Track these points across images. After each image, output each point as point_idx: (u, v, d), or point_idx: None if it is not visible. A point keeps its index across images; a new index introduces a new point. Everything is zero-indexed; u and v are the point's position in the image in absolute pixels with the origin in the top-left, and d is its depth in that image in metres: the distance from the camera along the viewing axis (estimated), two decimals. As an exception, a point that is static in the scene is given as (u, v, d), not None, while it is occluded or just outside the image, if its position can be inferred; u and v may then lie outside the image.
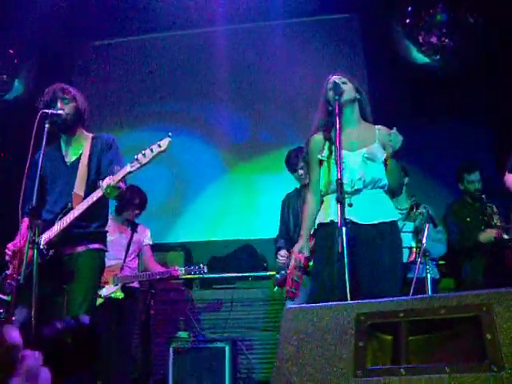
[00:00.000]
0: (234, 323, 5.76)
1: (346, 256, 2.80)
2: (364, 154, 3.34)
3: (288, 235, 4.81)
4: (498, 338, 1.77)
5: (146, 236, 5.40)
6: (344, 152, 3.25)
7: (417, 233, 4.60)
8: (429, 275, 4.40)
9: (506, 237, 4.74)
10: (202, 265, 5.20)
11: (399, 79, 6.33)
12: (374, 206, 3.30)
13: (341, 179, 3.01)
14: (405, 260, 4.50)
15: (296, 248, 3.46)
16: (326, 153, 3.41)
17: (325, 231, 3.32)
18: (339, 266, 2.88)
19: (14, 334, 0.75)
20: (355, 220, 3.19)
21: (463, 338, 1.89)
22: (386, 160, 3.38)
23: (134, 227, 5.37)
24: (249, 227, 6.53)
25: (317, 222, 3.42)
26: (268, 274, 5.89)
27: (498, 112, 6.16)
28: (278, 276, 4.69)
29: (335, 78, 3.49)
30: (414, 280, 4.15)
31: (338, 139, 3.11)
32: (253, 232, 6.46)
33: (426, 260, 4.36)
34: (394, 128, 3.29)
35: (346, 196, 3.15)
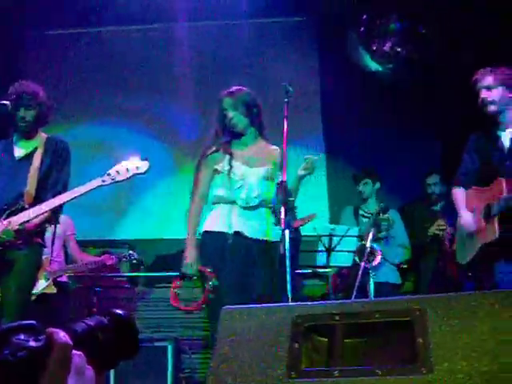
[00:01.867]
0: (177, 322, 5.72)
1: (287, 257, 2.85)
2: (263, 172, 3.44)
3: None
4: (429, 342, 1.80)
5: (68, 226, 5.18)
6: (243, 167, 3.34)
7: (361, 237, 4.66)
8: (371, 280, 4.47)
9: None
10: (132, 251, 5.20)
11: (352, 85, 6.41)
12: (263, 223, 3.41)
13: (285, 181, 3.05)
14: (349, 263, 4.58)
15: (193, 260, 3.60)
16: (226, 166, 3.43)
17: (214, 239, 3.44)
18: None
19: (62, 334, 0.74)
20: (245, 233, 3.32)
21: (397, 341, 1.92)
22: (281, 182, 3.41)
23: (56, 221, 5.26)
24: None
25: (205, 228, 3.50)
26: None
27: (447, 125, 6.29)
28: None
29: (224, 100, 3.60)
30: (357, 284, 4.19)
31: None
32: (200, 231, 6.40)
33: (369, 265, 4.42)
34: (318, 155, 3.42)
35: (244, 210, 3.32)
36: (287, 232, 2.94)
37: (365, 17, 6.35)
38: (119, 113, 7.07)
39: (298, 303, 2.03)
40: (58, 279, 4.93)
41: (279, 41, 7.09)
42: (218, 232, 3.38)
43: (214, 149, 3.50)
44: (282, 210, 2.99)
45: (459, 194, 3.65)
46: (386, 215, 4.78)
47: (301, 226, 4.46)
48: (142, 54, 7.08)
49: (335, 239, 4.66)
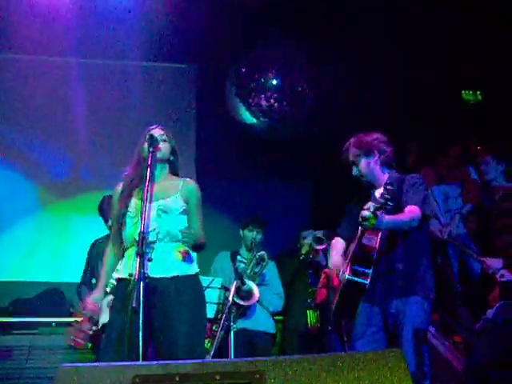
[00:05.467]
0: (32, 373, 5.37)
1: (141, 311, 2.76)
2: (159, 205, 3.29)
3: (96, 281, 4.66)
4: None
5: None
6: (140, 203, 3.24)
7: (225, 288, 4.66)
8: (232, 331, 4.46)
9: None
10: None
11: (228, 135, 6.52)
12: (169, 259, 3.26)
13: (144, 232, 2.97)
14: (211, 315, 4.53)
15: (91, 298, 3.39)
16: (132, 208, 3.35)
17: (122, 285, 3.25)
18: (134, 320, 2.82)
19: None
20: (151, 274, 3.12)
21: (237, 404, 1.90)
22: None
23: None
24: (58, 269, 6.20)
25: (115, 276, 3.34)
26: (74, 320, 5.60)
27: (317, 176, 6.55)
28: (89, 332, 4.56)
29: (155, 131, 3.48)
30: (218, 335, 4.16)
31: (145, 192, 3.09)
32: (61, 275, 6.15)
33: (230, 316, 4.41)
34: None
35: (148, 251, 3.10)
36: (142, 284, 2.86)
37: (244, 70, 6.52)
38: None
39: (138, 362, 1.96)
40: None
41: (160, 85, 7.09)
42: None
43: None
44: (137, 260, 2.91)
45: (338, 244, 3.85)
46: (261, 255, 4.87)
47: None
48: (21, 85, 6.81)
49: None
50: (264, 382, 1.85)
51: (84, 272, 4.90)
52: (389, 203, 3.10)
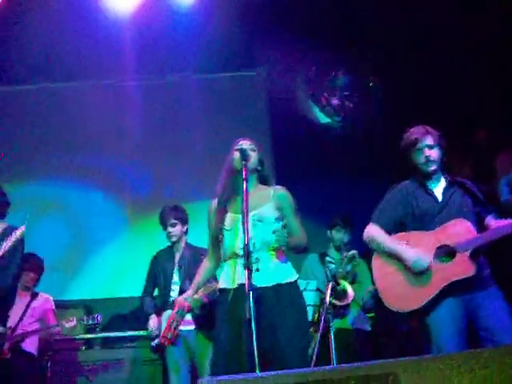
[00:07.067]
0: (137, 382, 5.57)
1: (253, 321, 2.83)
2: (253, 215, 3.34)
3: (158, 292, 4.96)
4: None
5: (48, 303, 5.43)
6: (236, 216, 3.33)
7: (320, 291, 4.69)
8: (332, 332, 4.47)
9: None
10: (97, 314, 5.18)
11: (302, 137, 6.55)
12: (268, 268, 3.32)
13: (248, 245, 3.04)
14: (309, 318, 4.56)
15: (183, 296, 3.80)
16: (228, 222, 3.44)
17: (224, 296, 3.35)
18: (246, 332, 2.89)
19: None
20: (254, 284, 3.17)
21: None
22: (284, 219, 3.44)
23: (33, 295, 5.35)
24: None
25: (219, 286, 3.46)
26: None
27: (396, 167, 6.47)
28: (153, 344, 4.81)
29: (244, 142, 3.55)
30: (318, 339, 4.19)
31: (245, 205, 3.15)
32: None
33: (329, 318, 4.42)
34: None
35: (253, 262, 3.16)
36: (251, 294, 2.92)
37: (314, 69, 6.53)
38: (66, 171, 6.99)
39: (275, 372, 2.02)
40: (25, 348, 5.03)
41: (229, 95, 7.17)
42: None
43: None
44: (246, 272, 2.98)
45: (381, 231, 3.68)
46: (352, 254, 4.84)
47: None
48: (92, 111, 7.03)
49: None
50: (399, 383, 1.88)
51: (146, 282, 5.07)
52: None
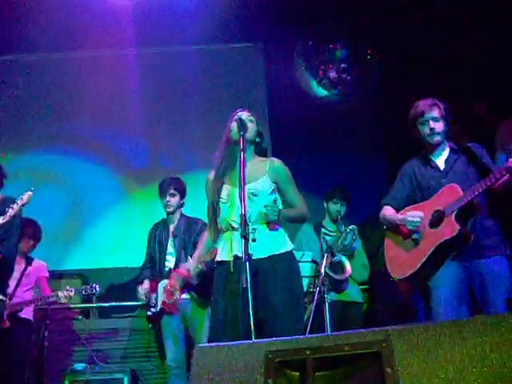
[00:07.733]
0: (133, 353, 5.63)
1: (250, 291, 2.87)
2: (249, 189, 3.35)
3: (153, 264, 4.94)
4: (396, 372, 1.87)
5: (42, 270, 5.42)
6: (232, 188, 3.35)
7: (315, 262, 4.72)
8: (327, 302, 4.52)
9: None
10: (95, 284, 5.20)
11: (299, 110, 6.53)
12: (264, 239, 3.37)
13: (245, 215, 3.06)
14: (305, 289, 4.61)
15: (186, 267, 3.92)
16: (224, 194, 3.46)
17: (223, 268, 3.39)
18: (243, 301, 2.94)
19: None
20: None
21: (366, 372, 1.97)
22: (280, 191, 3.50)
23: (28, 261, 5.33)
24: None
25: (216, 259, 3.49)
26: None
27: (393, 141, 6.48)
28: (149, 313, 4.81)
29: (243, 113, 3.55)
30: (313, 309, 4.24)
31: (242, 176, 3.17)
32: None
33: (324, 288, 4.47)
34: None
35: (250, 231, 3.19)
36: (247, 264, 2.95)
37: (311, 43, 6.50)
38: (63, 142, 6.98)
39: (269, 339, 2.06)
40: (21, 315, 5.01)
41: (226, 67, 7.15)
42: None
43: None
44: (243, 241, 3.00)
45: (391, 209, 3.82)
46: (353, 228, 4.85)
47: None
48: (90, 81, 7.00)
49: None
50: (391, 350, 1.91)
51: (145, 256, 5.08)
52: None
